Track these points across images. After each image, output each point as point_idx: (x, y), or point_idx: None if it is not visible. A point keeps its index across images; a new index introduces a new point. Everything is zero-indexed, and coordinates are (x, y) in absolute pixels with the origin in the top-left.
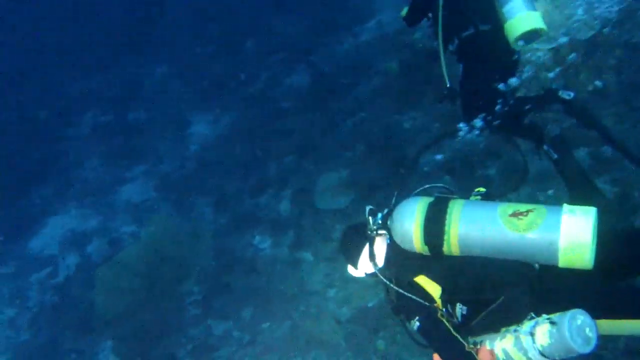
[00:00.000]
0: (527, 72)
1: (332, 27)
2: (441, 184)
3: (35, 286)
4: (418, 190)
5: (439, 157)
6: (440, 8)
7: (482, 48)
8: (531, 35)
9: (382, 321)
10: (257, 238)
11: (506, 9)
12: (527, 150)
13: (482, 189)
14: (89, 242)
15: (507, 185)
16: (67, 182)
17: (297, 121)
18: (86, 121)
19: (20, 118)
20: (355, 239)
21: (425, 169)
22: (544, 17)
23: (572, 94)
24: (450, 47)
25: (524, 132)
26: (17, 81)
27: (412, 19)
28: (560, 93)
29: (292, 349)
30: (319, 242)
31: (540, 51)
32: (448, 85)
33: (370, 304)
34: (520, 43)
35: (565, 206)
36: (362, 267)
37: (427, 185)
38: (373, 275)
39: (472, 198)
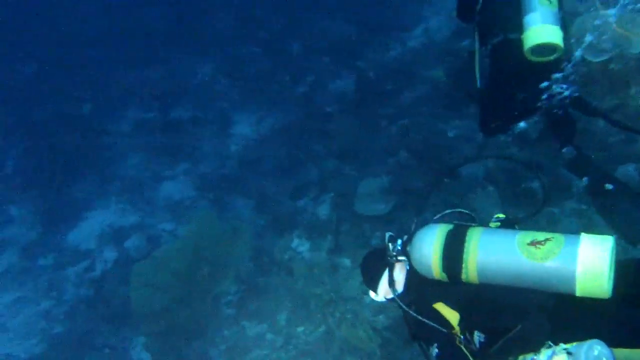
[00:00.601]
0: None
1: (379, 33)
2: (461, 209)
3: (72, 279)
4: (438, 216)
5: (482, 168)
6: (478, 11)
7: (509, 58)
8: (545, 50)
9: None
10: (296, 241)
11: (526, 19)
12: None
13: (501, 215)
14: (127, 238)
15: (527, 211)
16: (108, 177)
17: (340, 125)
18: (129, 117)
19: (64, 111)
20: (375, 264)
21: (470, 176)
22: (563, 32)
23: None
24: (484, 52)
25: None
26: (63, 73)
27: (461, 15)
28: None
29: (325, 354)
30: (357, 247)
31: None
32: (479, 86)
33: None
34: (536, 56)
35: (584, 235)
36: (382, 292)
37: (447, 211)
38: (392, 300)
39: (491, 224)
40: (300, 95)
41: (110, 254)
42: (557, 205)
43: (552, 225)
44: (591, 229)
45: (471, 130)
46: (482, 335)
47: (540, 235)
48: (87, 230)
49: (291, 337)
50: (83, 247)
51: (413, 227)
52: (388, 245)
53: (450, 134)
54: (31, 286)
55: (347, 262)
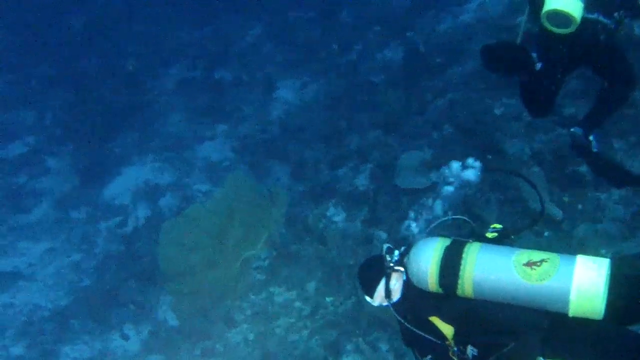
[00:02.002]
0: None
1: (432, 5)
2: (459, 216)
3: (104, 234)
4: (435, 223)
5: (529, 147)
6: None
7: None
8: (560, 20)
9: None
10: (332, 210)
11: None
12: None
13: (498, 226)
14: (162, 196)
15: (523, 223)
16: (147, 134)
17: (386, 96)
18: (173, 75)
19: (108, 65)
20: (372, 271)
21: (515, 155)
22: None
23: None
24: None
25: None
26: (111, 28)
27: None
28: None
29: (353, 327)
30: (394, 220)
31: None
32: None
33: None
34: (552, 24)
35: (579, 258)
36: (378, 299)
37: (444, 218)
38: (388, 307)
39: (488, 234)
40: (346, 63)
41: (143, 211)
42: (604, 191)
43: (599, 212)
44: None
45: (519, 109)
46: (475, 350)
47: (537, 256)
48: (122, 186)
49: (319, 307)
50: (117, 203)
51: (411, 238)
52: (385, 257)
53: (497, 112)
54: (63, 238)
55: (382, 234)
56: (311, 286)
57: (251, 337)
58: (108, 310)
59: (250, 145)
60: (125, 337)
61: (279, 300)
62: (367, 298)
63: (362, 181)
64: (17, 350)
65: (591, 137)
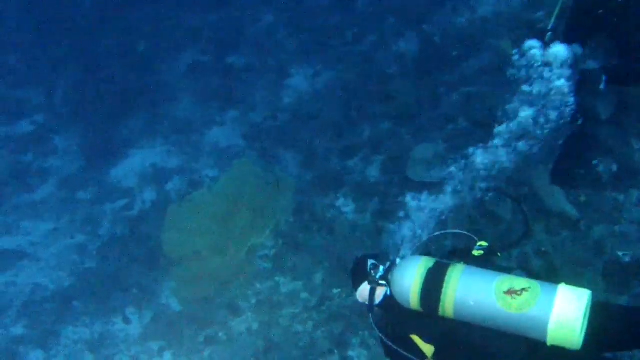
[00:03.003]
0: None
1: None
2: (454, 231)
3: (109, 216)
4: (427, 238)
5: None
6: None
7: None
8: None
9: None
10: (341, 200)
11: None
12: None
13: (484, 243)
14: (169, 180)
15: (509, 241)
16: (157, 117)
17: (399, 88)
18: (184, 59)
19: (119, 46)
20: (361, 272)
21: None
22: None
23: None
24: None
25: None
26: (122, 9)
27: None
28: None
29: (360, 320)
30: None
31: None
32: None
33: None
34: None
35: (560, 289)
36: (360, 299)
37: (437, 233)
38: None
39: (474, 252)
40: (360, 53)
41: (149, 194)
42: (623, 192)
43: (617, 213)
44: None
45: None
46: None
47: (518, 283)
48: (129, 168)
49: (325, 299)
50: (123, 185)
51: (397, 254)
52: (370, 272)
53: (514, 106)
54: (68, 219)
55: (392, 227)
56: (318, 277)
57: (255, 326)
58: (111, 293)
59: (260, 132)
60: (128, 321)
61: (285, 290)
62: (355, 294)
63: (373, 172)
64: (18, 330)
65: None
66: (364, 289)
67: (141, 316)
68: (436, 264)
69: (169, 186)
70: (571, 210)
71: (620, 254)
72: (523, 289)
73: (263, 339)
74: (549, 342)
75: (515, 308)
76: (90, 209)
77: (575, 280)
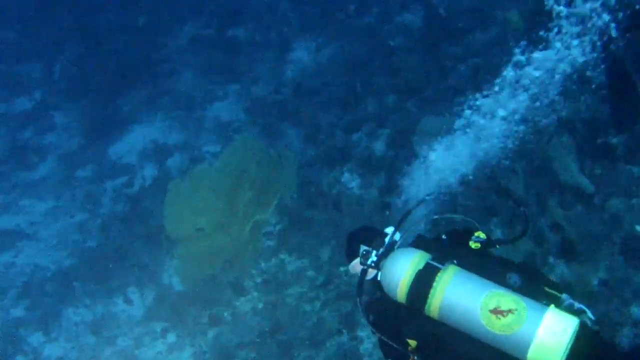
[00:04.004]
0: None
1: None
2: (450, 215)
3: (109, 193)
4: (423, 221)
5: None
6: None
7: None
8: None
9: None
10: (346, 175)
11: None
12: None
13: (482, 235)
14: (170, 156)
15: (508, 237)
16: (157, 91)
17: (404, 61)
18: (185, 32)
19: (119, 20)
20: (355, 245)
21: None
22: None
23: None
24: None
25: None
26: None
27: None
28: None
29: None
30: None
31: None
32: None
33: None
34: None
35: (546, 316)
36: (352, 271)
37: (436, 216)
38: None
39: (471, 244)
40: (364, 26)
41: (150, 171)
42: (638, 164)
43: (633, 186)
44: None
45: None
46: None
47: (506, 303)
48: (129, 145)
49: (333, 277)
50: (123, 161)
51: (387, 239)
52: (361, 259)
53: None
54: (67, 197)
55: (399, 202)
56: (324, 254)
57: (260, 306)
58: (112, 273)
59: (263, 107)
60: (129, 302)
61: (291, 268)
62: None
63: (379, 146)
64: (18, 311)
65: None
66: (356, 265)
67: (143, 296)
68: (427, 265)
69: (170, 162)
70: (586, 184)
71: (638, 228)
72: (509, 310)
73: (269, 319)
74: None
75: (499, 329)
76: (90, 186)
77: (592, 255)
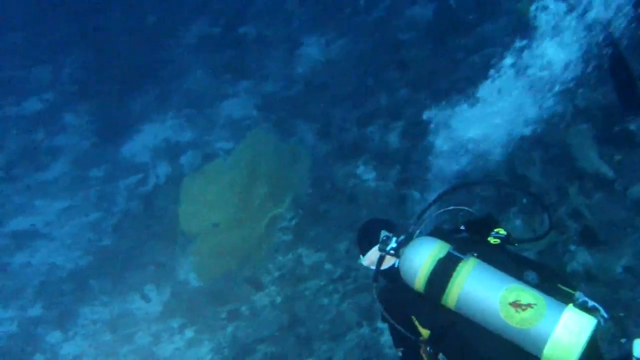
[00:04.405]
0: None
1: None
2: (466, 208)
3: (123, 192)
4: (440, 211)
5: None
6: None
7: None
8: None
9: None
10: (361, 168)
11: None
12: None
13: (502, 231)
14: (183, 154)
15: (530, 235)
16: (168, 90)
17: (415, 54)
18: (193, 31)
19: (127, 21)
20: (370, 234)
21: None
22: None
23: None
24: None
25: None
26: None
27: None
28: None
29: None
30: (429, 179)
31: None
32: None
33: None
34: None
35: (565, 314)
36: (366, 263)
37: (451, 207)
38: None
39: (490, 239)
40: (374, 20)
41: (163, 169)
42: None
43: None
44: None
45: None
46: (445, 359)
47: (526, 297)
48: (142, 143)
49: (351, 270)
50: (136, 160)
51: (411, 228)
52: (380, 245)
53: None
54: (81, 196)
55: (416, 194)
56: (341, 247)
57: (279, 300)
58: (128, 271)
59: (274, 103)
60: (146, 299)
61: (308, 262)
62: (361, 256)
63: (393, 139)
64: (35, 311)
65: None
66: (374, 253)
67: (160, 293)
68: (448, 254)
69: (183, 160)
70: (606, 170)
71: None
72: (529, 305)
73: (287, 313)
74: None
75: (517, 322)
76: (103, 185)
77: (614, 242)
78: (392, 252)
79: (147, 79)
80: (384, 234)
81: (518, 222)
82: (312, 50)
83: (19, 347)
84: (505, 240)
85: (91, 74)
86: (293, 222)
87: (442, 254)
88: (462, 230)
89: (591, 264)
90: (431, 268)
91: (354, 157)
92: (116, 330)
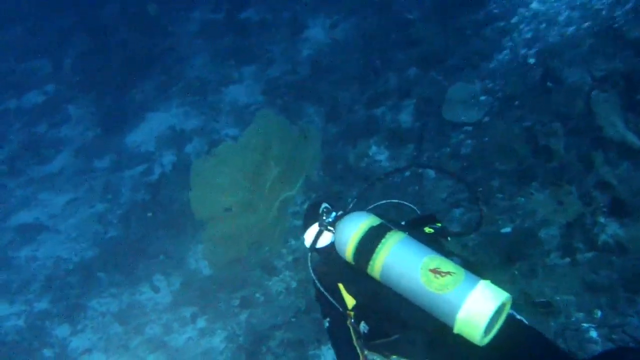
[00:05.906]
0: None
1: None
2: (411, 205)
3: (129, 182)
4: (384, 202)
5: (590, 76)
6: None
7: None
8: None
9: (518, 249)
10: (374, 148)
11: None
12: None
13: (438, 224)
14: (189, 142)
15: (461, 230)
16: (172, 78)
17: (422, 32)
18: (195, 18)
19: (129, 10)
20: (312, 213)
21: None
22: None
23: None
24: None
25: None
26: None
27: None
28: None
29: None
30: (444, 157)
31: None
32: None
33: (504, 230)
34: None
35: (480, 284)
36: (307, 241)
37: (395, 201)
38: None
39: (426, 229)
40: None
41: (169, 157)
42: None
43: None
44: None
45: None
46: (367, 328)
47: (446, 266)
48: (146, 133)
49: None
50: (141, 150)
51: (350, 205)
52: (322, 215)
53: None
54: (86, 188)
55: (431, 172)
56: None
57: (294, 285)
58: (136, 262)
59: (280, 87)
60: (156, 289)
61: None
62: (303, 237)
63: (405, 117)
64: (42, 305)
65: None
66: (314, 228)
67: (170, 283)
68: (380, 224)
69: (189, 148)
70: (632, 139)
71: None
72: (448, 272)
73: (304, 298)
74: (456, 329)
75: (435, 287)
76: (108, 176)
77: None
78: (329, 225)
79: (149, 67)
80: (324, 205)
81: (542, 196)
82: (317, 32)
83: (27, 342)
84: (439, 232)
85: (93, 64)
86: (305, 205)
87: (375, 223)
88: (402, 225)
89: (622, 236)
90: (362, 235)
91: (365, 138)
92: (126, 322)
